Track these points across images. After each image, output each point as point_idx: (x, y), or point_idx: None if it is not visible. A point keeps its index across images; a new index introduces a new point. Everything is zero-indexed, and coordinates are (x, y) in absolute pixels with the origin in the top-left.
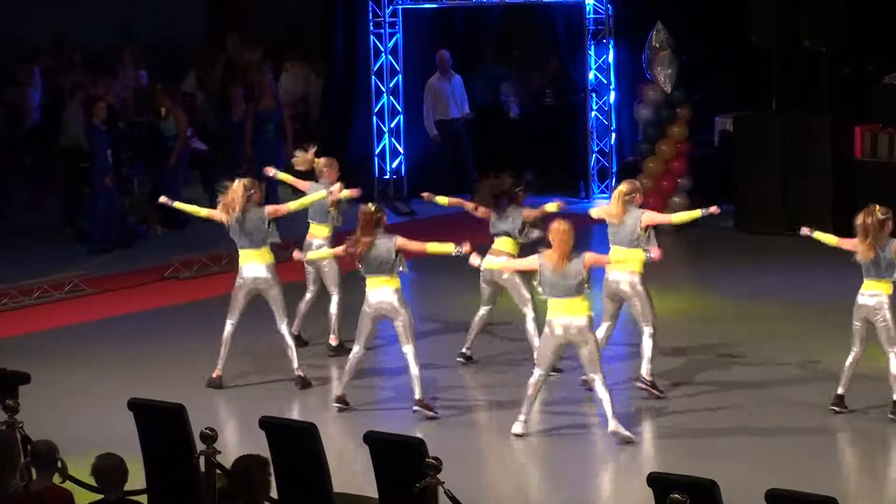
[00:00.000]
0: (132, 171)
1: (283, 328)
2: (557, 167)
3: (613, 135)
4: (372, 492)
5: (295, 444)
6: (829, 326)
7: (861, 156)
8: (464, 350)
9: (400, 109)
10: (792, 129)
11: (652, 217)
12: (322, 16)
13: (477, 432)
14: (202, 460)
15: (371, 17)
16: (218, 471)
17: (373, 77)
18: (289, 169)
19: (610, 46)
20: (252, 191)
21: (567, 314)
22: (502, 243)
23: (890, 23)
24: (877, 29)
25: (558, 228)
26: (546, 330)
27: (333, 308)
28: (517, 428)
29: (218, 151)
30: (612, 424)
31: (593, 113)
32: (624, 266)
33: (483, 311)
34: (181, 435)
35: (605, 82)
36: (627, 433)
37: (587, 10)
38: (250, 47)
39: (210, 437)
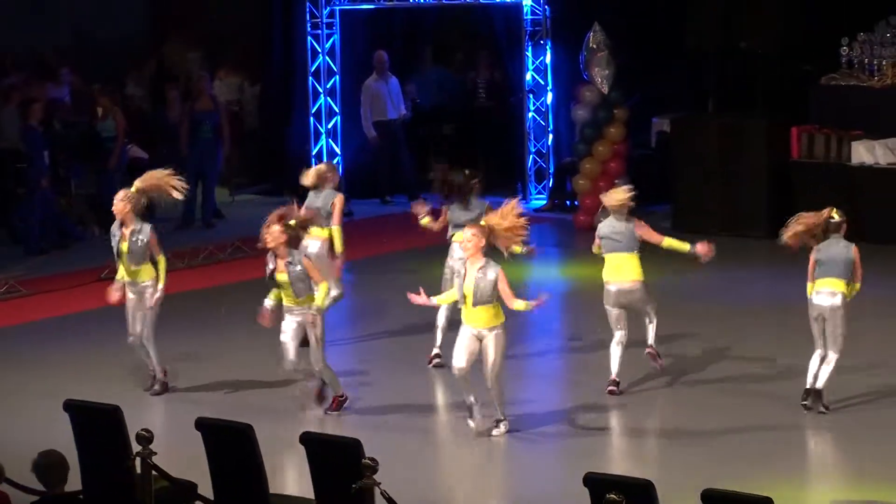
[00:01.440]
0: (69, 173)
1: None
2: (494, 168)
3: (551, 136)
4: (309, 493)
5: (231, 446)
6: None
7: (797, 157)
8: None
9: (337, 110)
10: (728, 130)
11: (645, 232)
12: (260, 17)
13: (417, 434)
14: (138, 462)
15: (308, 18)
16: (154, 472)
17: (310, 78)
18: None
19: (547, 47)
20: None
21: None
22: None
23: (825, 24)
24: (812, 31)
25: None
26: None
27: None
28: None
29: (153, 149)
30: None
31: (530, 114)
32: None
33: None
34: (117, 436)
35: (543, 83)
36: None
37: (525, 11)
38: (188, 49)
39: (146, 438)
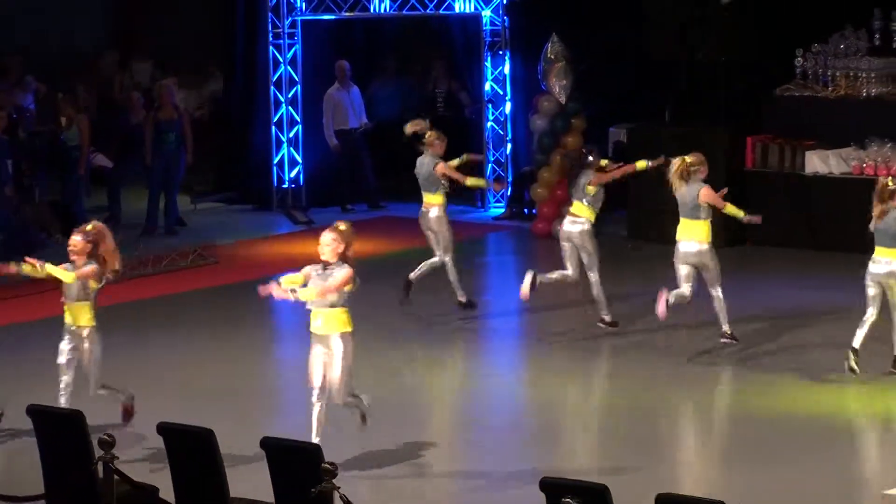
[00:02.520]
0: (34, 181)
1: None
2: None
3: (509, 145)
4: (269, 497)
5: (192, 450)
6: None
7: (752, 166)
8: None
9: (299, 119)
10: (685, 139)
11: (709, 195)
12: (223, 27)
13: (376, 439)
14: (100, 466)
15: (270, 29)
16: (116, 476)
17: (272, 87)
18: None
19: (506, 58)
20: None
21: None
22: (576, 207)
23: (782, 36)
24: (769, 42)
25: None
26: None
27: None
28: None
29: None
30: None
31: (489, 123)
32: (691, 236)
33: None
34: (80, 441)
35: (501, 93)
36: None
37: (484, 22)
38: (150, 58)
39: (108, 443)
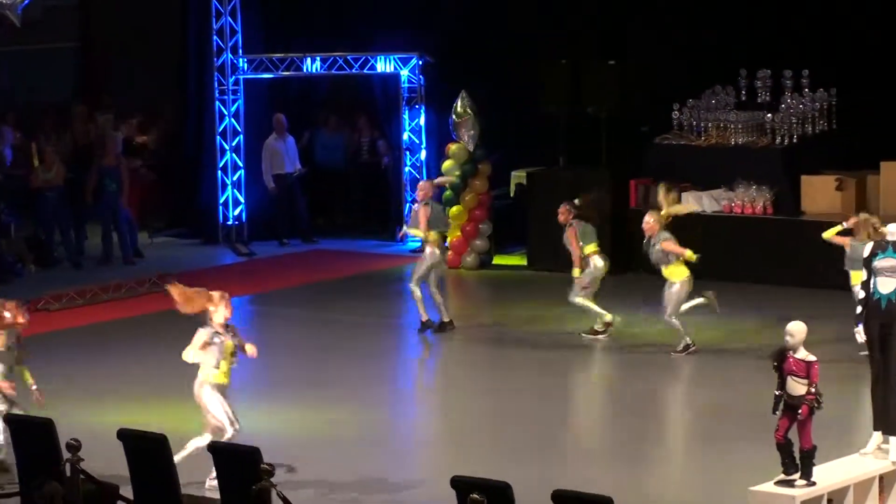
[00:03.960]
0: (9, 218)
1: None
2: (375, 214)
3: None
4: (215, 494)
5: (148, 453)
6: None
7: (635, 205)
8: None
9: (241, 165)
10: (577, 181)
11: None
12: (174, 85)
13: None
14: (68, 467)
15: (216, 86)
16: (82, 476)
17: (217, 137)
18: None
19: (421, 111)
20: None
21: None
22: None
23: (657, 92)
24: (648, 98)
25: None
26: None
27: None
28: None
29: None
30: None
31: (407, 168)
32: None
33: None
34: (50, 445)
35: (418, 142)
36: None
37: (402, 80)
38: (107, 111)
39: (75, 447)
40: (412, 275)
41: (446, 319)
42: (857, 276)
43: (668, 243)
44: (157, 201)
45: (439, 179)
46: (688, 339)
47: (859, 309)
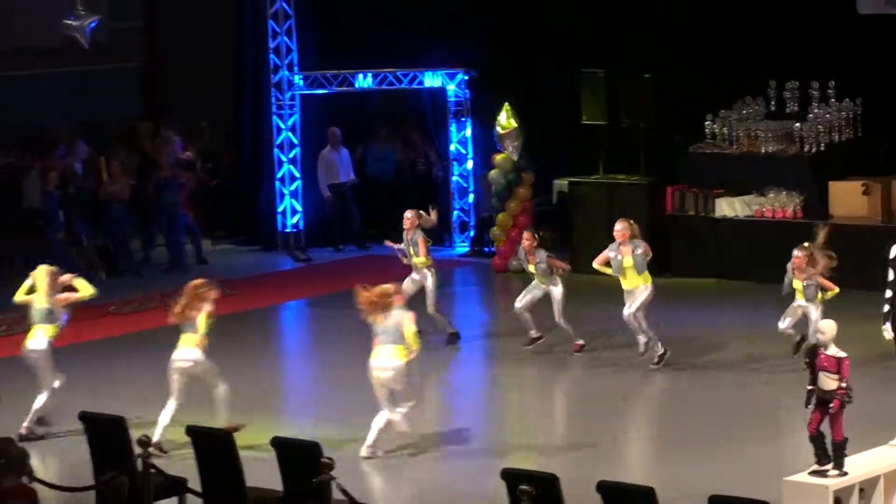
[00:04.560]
0: (80, 228)
1: None
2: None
3: (471, 195)
4: (278, 486)
5: (215, 448)
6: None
7: (671, 211)
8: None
9: (298, 176)
10: (615, 189)
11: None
12: (235, 100)
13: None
14: (139, 462)
15: (274, 101)
16: (152, 470)
17: (276, 150)
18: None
19: (468, 124)
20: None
21: None
22: None
23: (691, 103)
24: (683, 109)
25: None
26: None
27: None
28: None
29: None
30: None
31: (455, 178)
32: None
33: None
34: (122, 441)
35: (464, 153)
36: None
37: (449, 94)
38: (169, 127)
39: (145, 442)
40: (430, 304)
41: (452, 330)
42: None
43: (647, 248)
44: (219, 211)
45: (425, 218)
46: (659, 345)
47: (886, 307)
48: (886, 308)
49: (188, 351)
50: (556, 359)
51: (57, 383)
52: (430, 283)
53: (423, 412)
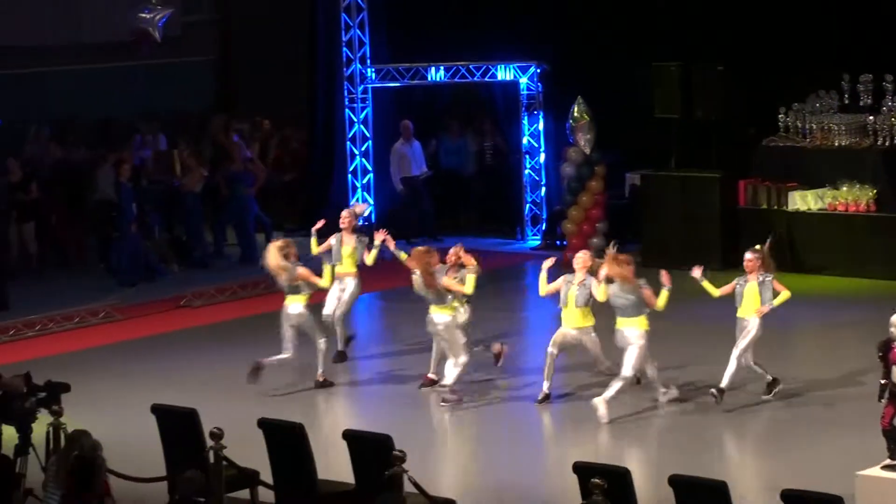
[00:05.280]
0: (153, 220)
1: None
2: (498, 215)
3: (543, 188)
4: (350, 479)
5: (286, 441)
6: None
7: (744, 204)
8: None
9: (370, 169)
10: (687, 182)
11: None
12: (307, 93)
13: (440, 428)
14: (211, 454)
15: (346, 95)
16: (224, 462)
17: (348, 143)
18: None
19: (540, 117)
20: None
21: None
22: None
23: (766, 97)
24: (755, 102)
25: None
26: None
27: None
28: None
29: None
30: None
31: (527, 171)
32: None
33: None
34: (194, 434)
35: (536, 146)
36: None
37: (521, 87)
38: (242, 120)
39: (217, 435)
40: (339, 309)
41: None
42: None
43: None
44: (291, 203)
45: (358, 208)
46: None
47: None
48: None
49: (441, 315)
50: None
51: (322, 342)
52: (350, 292)
53: (494, 403)
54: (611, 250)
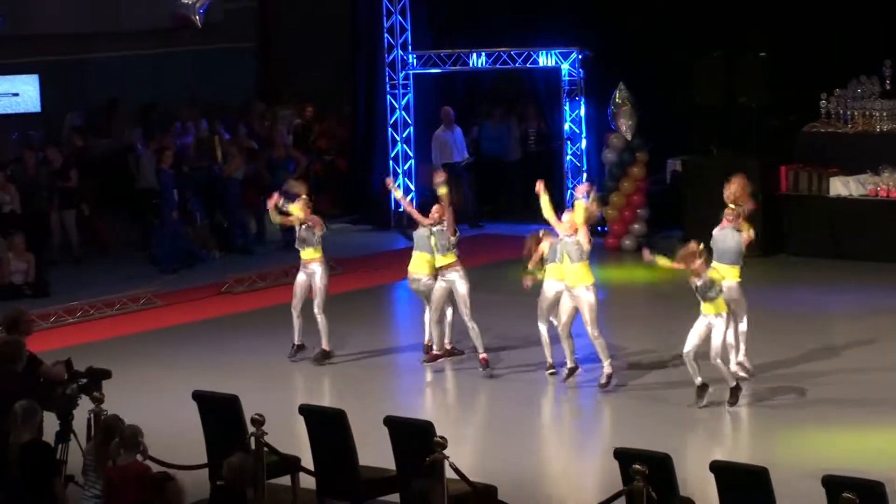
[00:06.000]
0: (194, 206)
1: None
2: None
3: (585, 174)
4: (391, 465)
5: (327, 427)
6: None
7: (785, 190)
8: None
9: (411, 155)
10: (729, 168)
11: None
12: (349, 80)
13: (479, 415)
14: (253, 440)
15: (388, 81)
16: (266, 449)
17: (389, 129)
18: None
19: (581, 103)
20: None
21: None
22: None
23: (807, 83)
24: (796, 88)
25: None
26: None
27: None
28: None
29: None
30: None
31: (568, 157)
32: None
33: None
34: (235, 420)
35: (578, 132)
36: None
37: (563, 73)
38: (285, 106)
39: (259, 421)
40: (317, 304)
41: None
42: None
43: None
44: (332, 190)
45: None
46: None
47: None
48: None
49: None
50: (672, 337)
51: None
52: (319, 279)
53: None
54: (695, 247)
